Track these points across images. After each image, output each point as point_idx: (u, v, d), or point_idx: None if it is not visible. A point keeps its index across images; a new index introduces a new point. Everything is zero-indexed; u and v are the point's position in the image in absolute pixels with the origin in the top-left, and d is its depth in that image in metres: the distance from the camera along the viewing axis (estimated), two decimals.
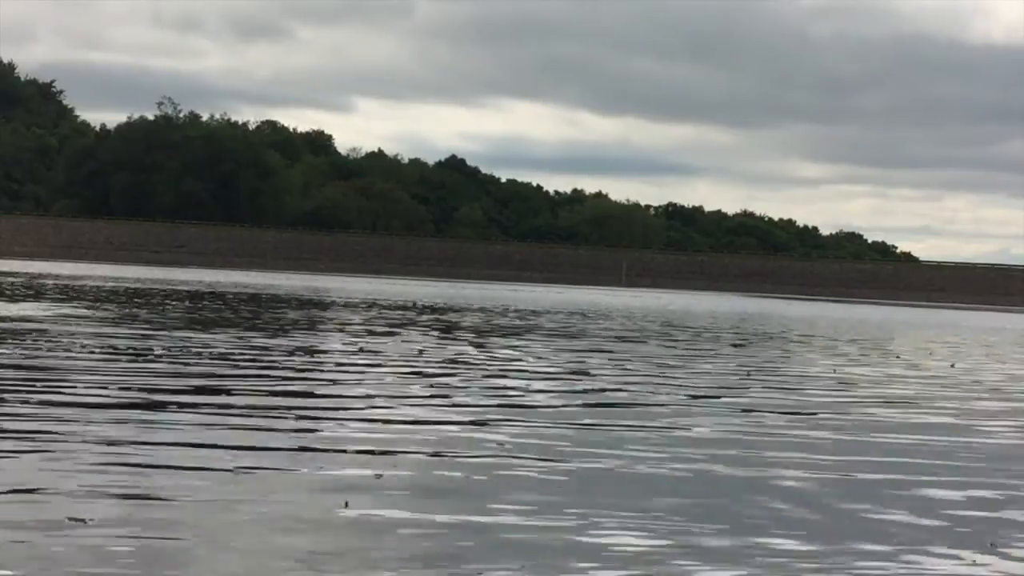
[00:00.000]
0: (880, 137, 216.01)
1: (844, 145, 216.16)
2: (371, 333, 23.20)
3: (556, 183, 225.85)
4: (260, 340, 19.73)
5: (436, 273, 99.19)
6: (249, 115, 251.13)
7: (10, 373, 13.14)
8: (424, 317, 30.99)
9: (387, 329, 24.83)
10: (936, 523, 7.83)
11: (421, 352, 19.09)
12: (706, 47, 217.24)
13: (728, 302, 66.46)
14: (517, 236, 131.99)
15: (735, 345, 26.33)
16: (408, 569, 6.03)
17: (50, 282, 41.43)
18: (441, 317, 31.55)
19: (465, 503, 7.63)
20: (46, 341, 17.19)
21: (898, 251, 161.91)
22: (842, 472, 9.58)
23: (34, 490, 7.35)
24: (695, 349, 23.97)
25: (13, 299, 28.77)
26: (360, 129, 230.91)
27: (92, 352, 15.90)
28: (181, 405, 11.29)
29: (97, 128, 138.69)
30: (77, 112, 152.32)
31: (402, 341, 21.45)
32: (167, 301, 32.39)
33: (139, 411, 10.78)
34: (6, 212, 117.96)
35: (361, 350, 18.77)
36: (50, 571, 5.71)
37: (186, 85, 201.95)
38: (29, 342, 16.92)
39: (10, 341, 16.91)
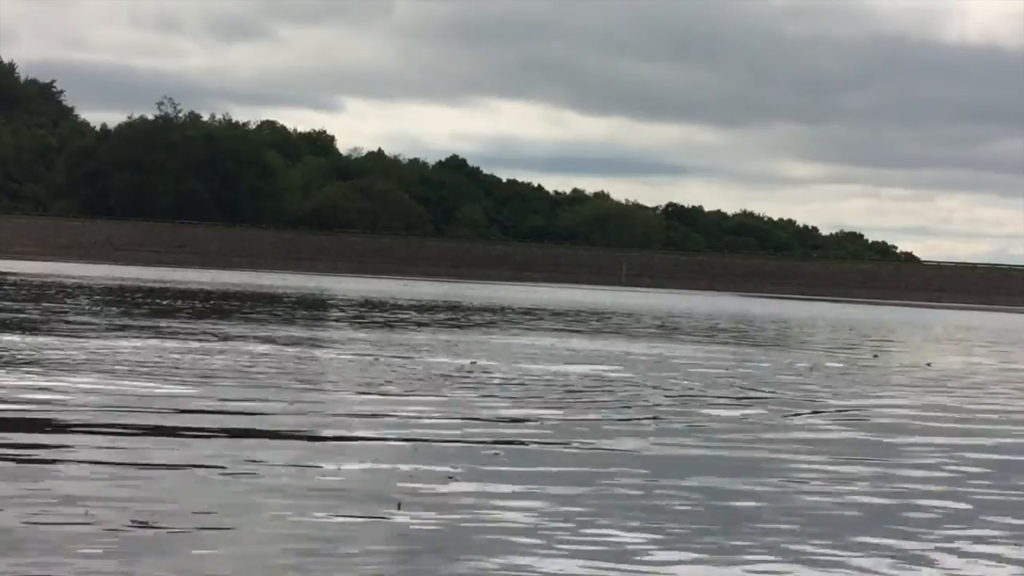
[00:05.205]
0: (867, 136, 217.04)
1: (832, 145, 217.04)
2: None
3: (546, 182, 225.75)
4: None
5: (436, 273, 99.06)
6: (238, 115, 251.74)
7: None
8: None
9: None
10: None
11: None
12: (686, 47, 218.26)
13: (754, 304, 66.40)
14: (517, 236, 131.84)
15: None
16: None
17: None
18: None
19: None
20: None
21: (898, 251, 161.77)
22: None
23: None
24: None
25: None
26: (351, 129, 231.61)
27: None
28: None
29: (97, 128, 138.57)
30: (76, 112, 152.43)
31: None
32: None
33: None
34: (6, 212, 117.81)
35: None
36: None
37: (172, 85, 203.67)
38: None
39: None
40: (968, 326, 48.53)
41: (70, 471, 8.23)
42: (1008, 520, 8.26)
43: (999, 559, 7.13)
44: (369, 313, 31.67)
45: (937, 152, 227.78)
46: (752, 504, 8.27)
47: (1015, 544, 7.54)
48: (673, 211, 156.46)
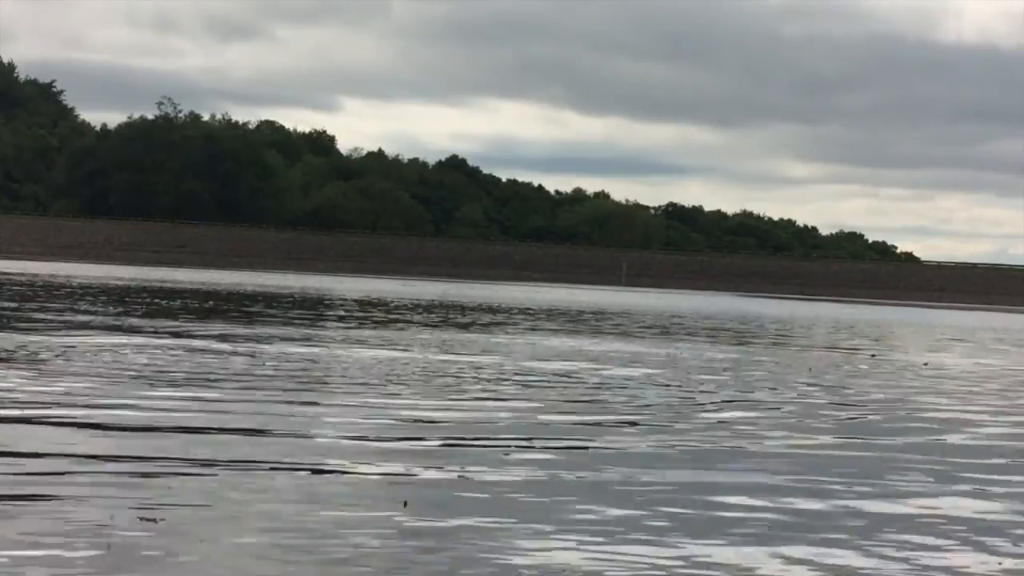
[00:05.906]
0: (866, 136, 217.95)
1: (831, 144, 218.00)
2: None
3: (546, 182, 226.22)
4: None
5: (436, 273, 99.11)
6: (236, 115, 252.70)
7: None
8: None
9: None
10: None
11: None
12: (684, 47, 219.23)
13: (764, 305, 66.44)
14: (517, 236, 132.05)
15: None
16: None
17: None
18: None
19: None
20: None
21: (898, 251, 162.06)
22: None
23: None
24: None
25: None
26: (350, 129, 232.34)
27: None
28: None
29: (97, 128, 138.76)
30: (76, 112, 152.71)
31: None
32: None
33: None
34: (6, 212, 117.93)
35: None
36: None
37: (171, 85, 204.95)
38: None
39: None
40: (968, 326, 48.55)
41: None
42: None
43: None
44: (388, 312, 31.76)
45: (936, 152, 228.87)
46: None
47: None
48: (673, 211, 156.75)
